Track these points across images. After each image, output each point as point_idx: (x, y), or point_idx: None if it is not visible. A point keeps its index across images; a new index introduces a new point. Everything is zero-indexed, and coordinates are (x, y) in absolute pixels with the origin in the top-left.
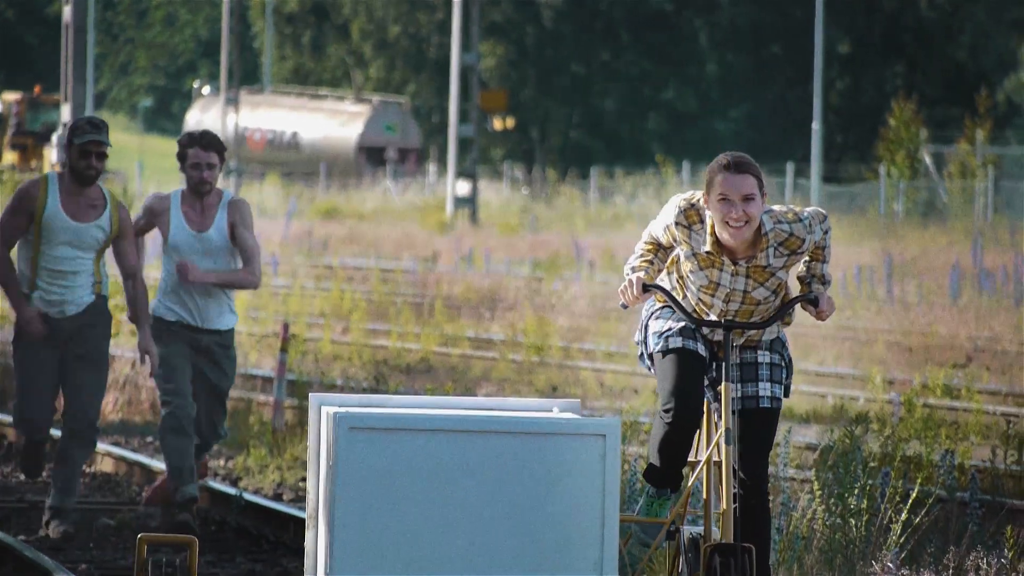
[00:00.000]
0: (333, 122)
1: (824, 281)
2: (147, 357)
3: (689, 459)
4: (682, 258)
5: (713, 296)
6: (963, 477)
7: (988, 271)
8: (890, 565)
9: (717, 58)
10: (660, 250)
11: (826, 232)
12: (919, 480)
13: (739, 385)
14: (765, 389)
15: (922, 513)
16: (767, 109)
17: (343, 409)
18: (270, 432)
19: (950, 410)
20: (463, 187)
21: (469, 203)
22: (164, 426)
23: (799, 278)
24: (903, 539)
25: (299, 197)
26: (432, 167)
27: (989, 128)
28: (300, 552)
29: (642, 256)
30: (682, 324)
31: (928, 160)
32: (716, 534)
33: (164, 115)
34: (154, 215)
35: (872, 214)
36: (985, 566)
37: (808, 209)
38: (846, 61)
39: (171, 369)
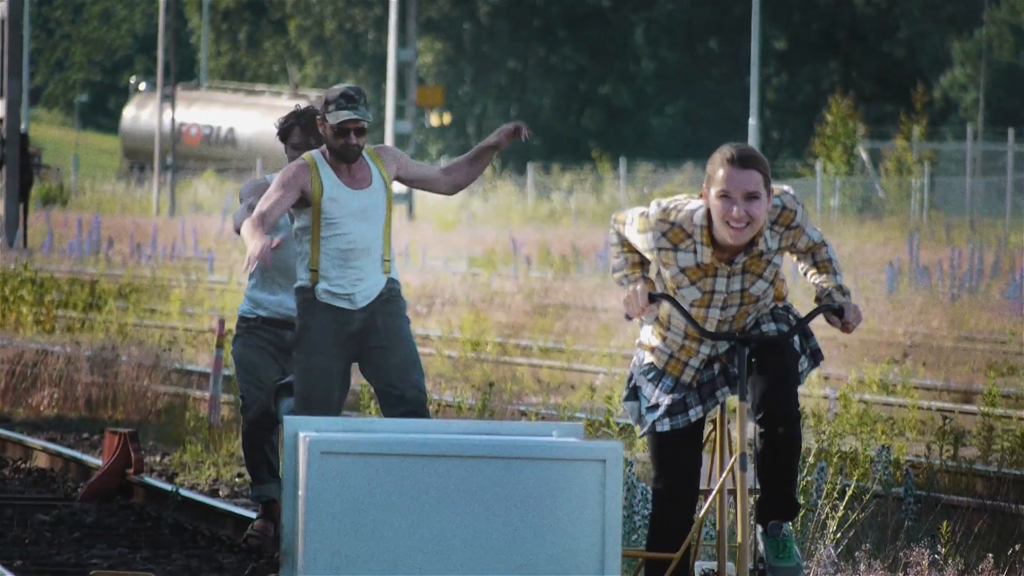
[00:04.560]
0: (270, 118)
1: (843, 292)
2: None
3: (703, 487)
4: (667, 277)
5: (708, 307)
6: (899, 473)
7: (924, 267)
8: (826, 560)
9: (653, 54)
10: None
11: (824, 243)
12: (855, 476)
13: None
14: (770, 326)
15: (858, 509)
16: (703, 105)
17: (315, 433)
18: (206, 428)
19: (886, 406)
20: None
21: (405, 199)
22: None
23: (816, 298)
24: (839, 534)
25: (235, 193)
26: None
27: (925, 124)
28: (236, 548)
29: (628, 259)
30: (670, 398)
31: (864, 156)
32: (731, 570)
33: (100, 111)
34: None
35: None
36: (921, 560)
37: None
38: (782, 57)
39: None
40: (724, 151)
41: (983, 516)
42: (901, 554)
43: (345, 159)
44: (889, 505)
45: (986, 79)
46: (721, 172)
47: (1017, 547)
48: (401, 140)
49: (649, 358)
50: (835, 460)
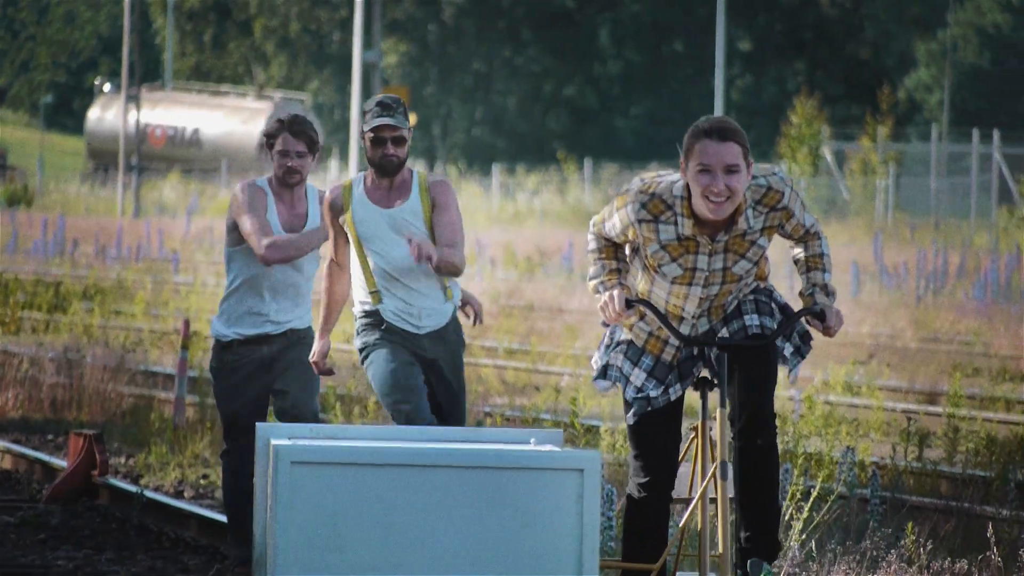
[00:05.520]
0: (234, 119)
1: (828, 292)
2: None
3: (684, 496)
4: (648, 254)
5: (690, 285)
6: (864, 474)
7: (888, 268)
8: (791, 561)
9: (618, 55)
10: (618, 249)
11: (819, 236)
12: (820, 477)
13: (724, 327)
14: (753, 320)
15: (823, 510)
16: (668, 106)
17: (285, 441)
18: (171, 429)
19: (851, 407)
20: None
21: None
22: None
23: (800, 293)
24: (804, 536)
25: (200, 194)
26: (334, 164)
27: (890, 125)
28: (200, 549)
29: (605, 266)
30: (654, 381)
31: (829, 157)
32: None
33: (65, 112)
34: (262, 202)
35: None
36: (888, 561)
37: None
38: (747, 58)
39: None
40: (702, 124)
41: (948, 517)
42: (866, 555)
43: (385, 172)
44: (854, 506)
45: (951, 80)
46: (699, 145)
47: (988, 553)
48: None
49: (627, 335)
50: (800, 461)
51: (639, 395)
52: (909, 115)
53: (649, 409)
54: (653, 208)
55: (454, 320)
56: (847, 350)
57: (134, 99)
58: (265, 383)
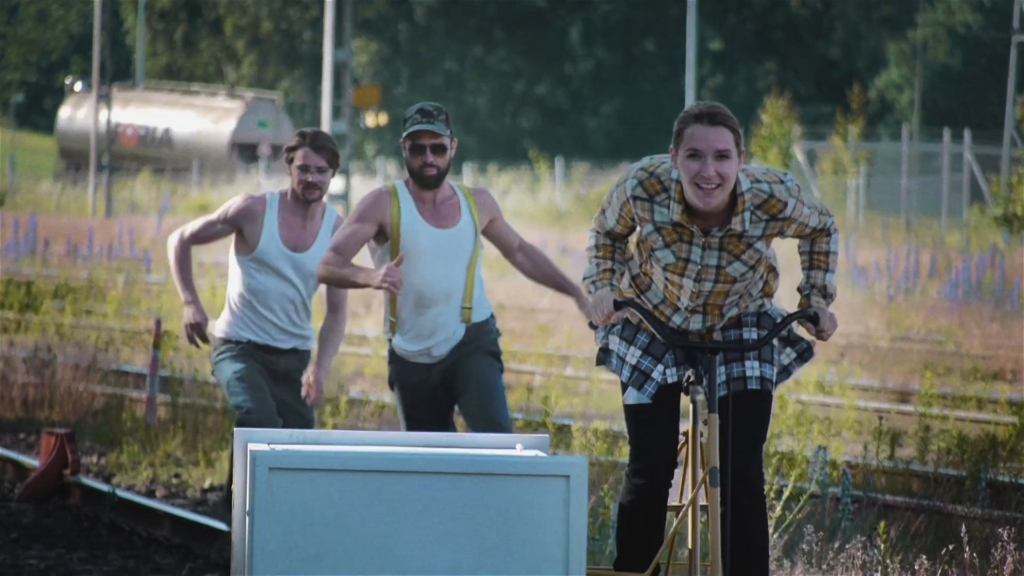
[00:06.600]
0: (206, 118)
1: (826, 294)
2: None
3: (672, 503)
4: (643, 236)
5: (682, 275)
6: (835, 473)
7: (860, 267)
8: None
9: (589, 54)
10: (617, 247)
11: (828, 232)
12: (792, 476)
13: (722, 367)
14: (753, 369)
15: (796, 509)
16: (639, 106)
17: (263, 447)
18: (143, 428)
19: (823, 406)
20: (336, 183)
21: (342, 199)
22: None
23: (798, 289)
24: (776, 535)
25: (172, 193)
26: None
27: (861, 125)
28: (173, 548)
29: (599, 265)
30: (649, 358)
31: (800, 157)
32: None
33: (36, 111)
34: (245, 219)
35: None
36: (856, 560)
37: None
38: (718, 58)
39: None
40: (692, 108)
41: (920, 516)
42: (839, 554)
43: (424, 184)
44: (826, 505)
45: (921, 80)
46: (689, 130)
47: (952, 546)
48: (338, 140)
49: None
50: (773, 461)
51: (636, 373)
52: (880, 115)
53: (647, 387)
54: (650, 187)
55: (467, 334)
56: (819, 349)
57: (105, 98)
58: (271, 383)
